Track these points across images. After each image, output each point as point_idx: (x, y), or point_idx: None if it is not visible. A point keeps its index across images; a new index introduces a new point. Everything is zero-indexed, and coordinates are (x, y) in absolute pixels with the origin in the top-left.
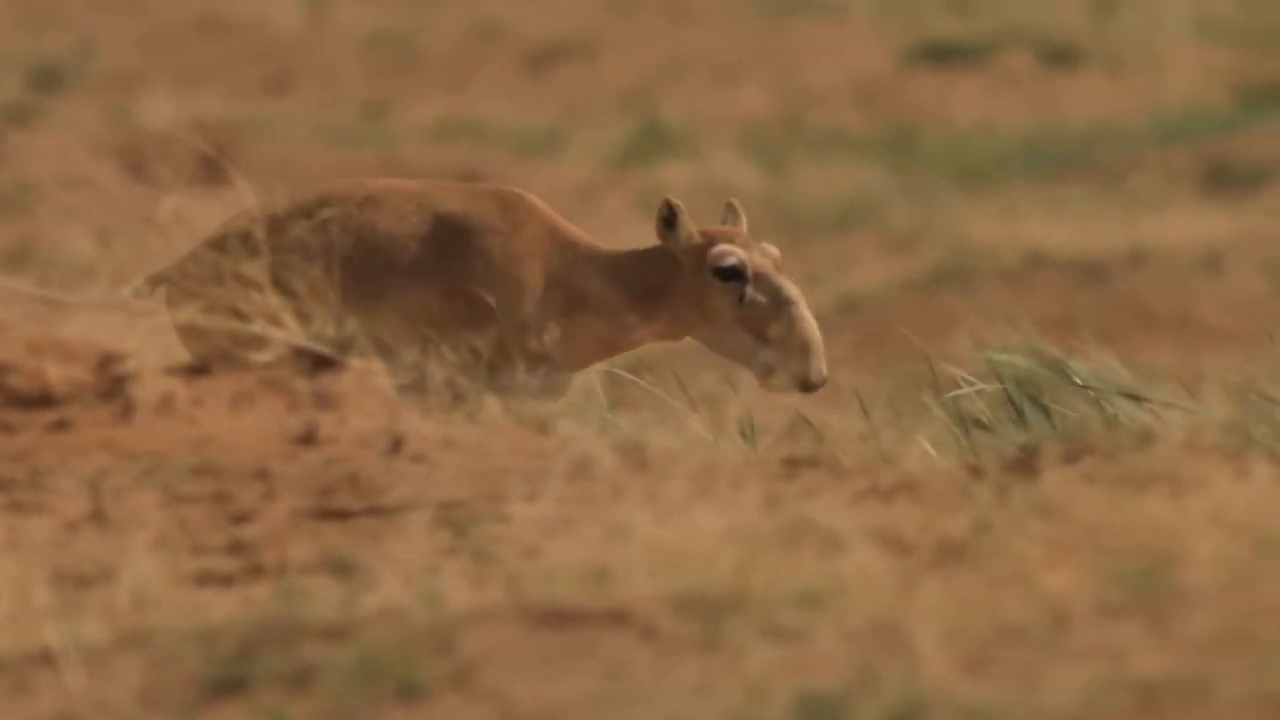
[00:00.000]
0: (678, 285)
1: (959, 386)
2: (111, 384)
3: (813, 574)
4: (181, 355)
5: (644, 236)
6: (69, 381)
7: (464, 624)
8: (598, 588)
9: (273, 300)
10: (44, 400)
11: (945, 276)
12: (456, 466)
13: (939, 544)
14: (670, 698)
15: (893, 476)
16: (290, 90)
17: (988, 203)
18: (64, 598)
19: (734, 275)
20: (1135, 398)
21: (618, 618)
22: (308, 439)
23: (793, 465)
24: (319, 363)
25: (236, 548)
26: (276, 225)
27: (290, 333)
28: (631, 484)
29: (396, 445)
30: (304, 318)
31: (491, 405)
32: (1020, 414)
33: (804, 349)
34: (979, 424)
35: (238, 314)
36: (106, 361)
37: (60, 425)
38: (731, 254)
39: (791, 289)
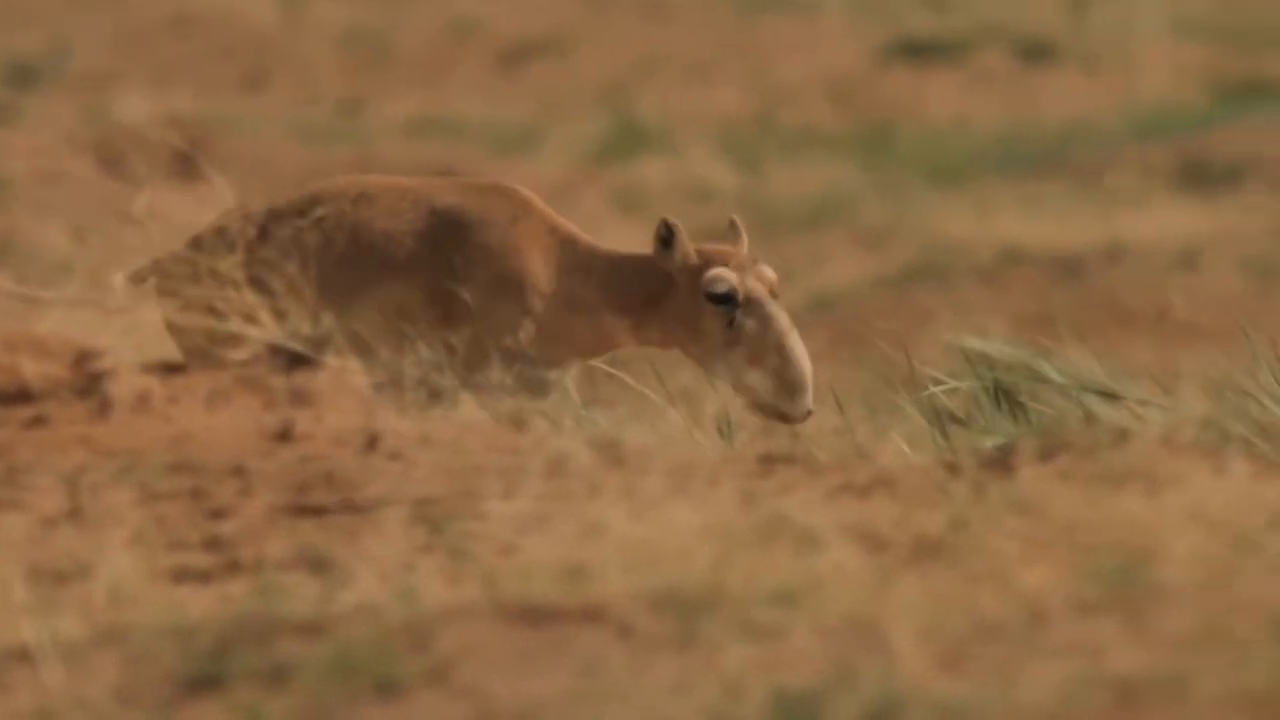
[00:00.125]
0: (671, 301)
1: (934, 383)
2: (88, 381)
3: (789, 571)
4: (157, 352)
5: (621, 234)
6: (46, 378)
7: (440, 621)
8: (574, 585)
9: (249, 298)
10: (21, 397)
11: (920, 273)
12: (432, 464)
13: (915, 541)
14: (646, 695)
15: (869, 473)
16: (265, 87)
17: (963, 200)
18: (41, 594)
19: (725, 300)
20: (1112, 395)
21: (594, 615)
22: (284, 436)
23: (769, 462)
24: (295, 360)
25: (213, 544)
26: (270, 222)
27: (269, 330)
28: (608, 481)
29: (372, 442)
30: (287, 315)
31: (468, 403)
32: (997, 411)
33: (789, 383)
34: (955, 421)
35: (214, 312)
36: (83, 358)
37: (37, 422)
38: (724, 280)
39: (783, 320)
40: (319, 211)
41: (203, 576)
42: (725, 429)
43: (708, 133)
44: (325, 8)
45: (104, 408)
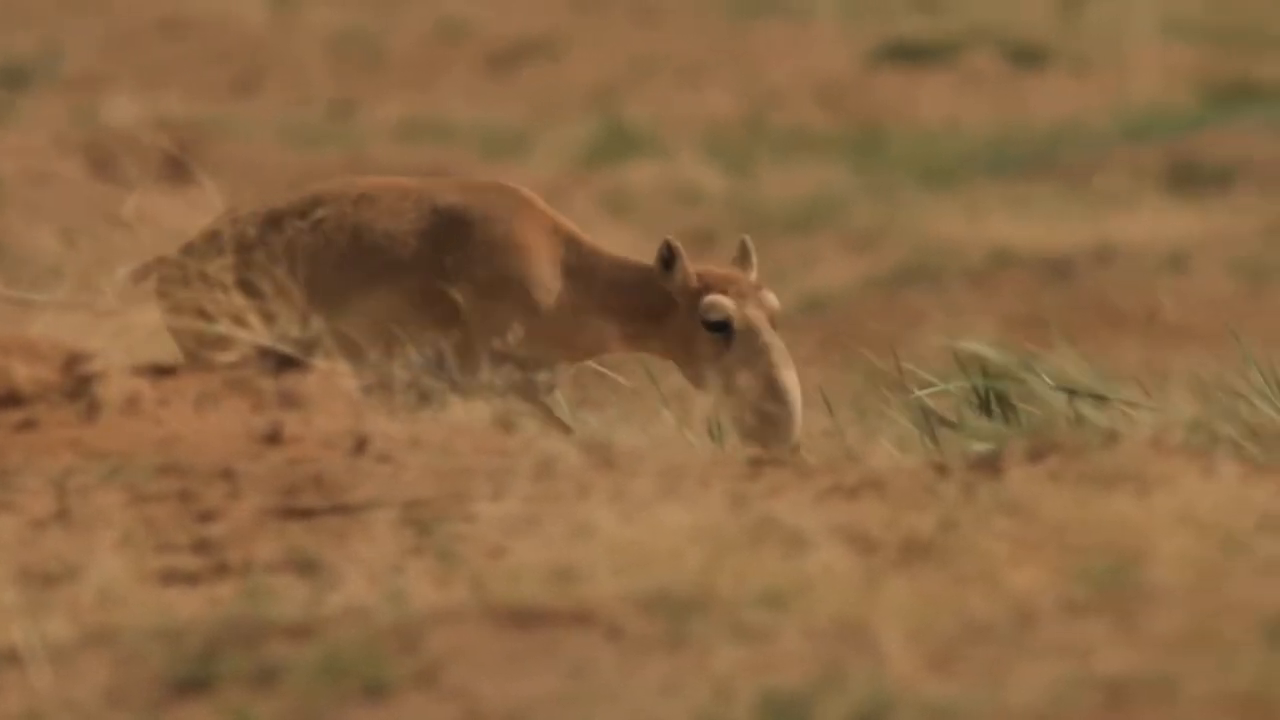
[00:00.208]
0: (671, 319)
1: (924, 385)
2: (77, 383)
3: (778, 573)
4: (148, 354)
5: (611, 236)
6: (35, 381)
7: (429, 623)
8: (563, 587)
9: (238, 301)
10: (10, 399)
11: (910, 275)
12: (421, 466)
13: (904, 542)
14: (636, 697)
15: (858, 475)
16: (256, 90)
17: (953, 201)
18: (30, 596)
19: (720, 328)
20: (1101, 396)
21: (583, 617)
22: (273, 439)
23: (758, 464)
24: (284, 363)
25: (202, 547)
26: (270, 223)
27: (259, 333)
28: (597, 483)
29: (361, 445)
30: (278, 317)
31: (457, 405)
32: (986, 412)
33: (775, 417)
34: (944, 422)
35: (204, 314)
36: (72, 361)
37: (26, 424)
38: (721, 308)
39: (776, 352)
40: (320, 213)
41: (191, 578)
42: (716, 431)
43: (698, 136)
44: (316, 11)
45: (93, 410)
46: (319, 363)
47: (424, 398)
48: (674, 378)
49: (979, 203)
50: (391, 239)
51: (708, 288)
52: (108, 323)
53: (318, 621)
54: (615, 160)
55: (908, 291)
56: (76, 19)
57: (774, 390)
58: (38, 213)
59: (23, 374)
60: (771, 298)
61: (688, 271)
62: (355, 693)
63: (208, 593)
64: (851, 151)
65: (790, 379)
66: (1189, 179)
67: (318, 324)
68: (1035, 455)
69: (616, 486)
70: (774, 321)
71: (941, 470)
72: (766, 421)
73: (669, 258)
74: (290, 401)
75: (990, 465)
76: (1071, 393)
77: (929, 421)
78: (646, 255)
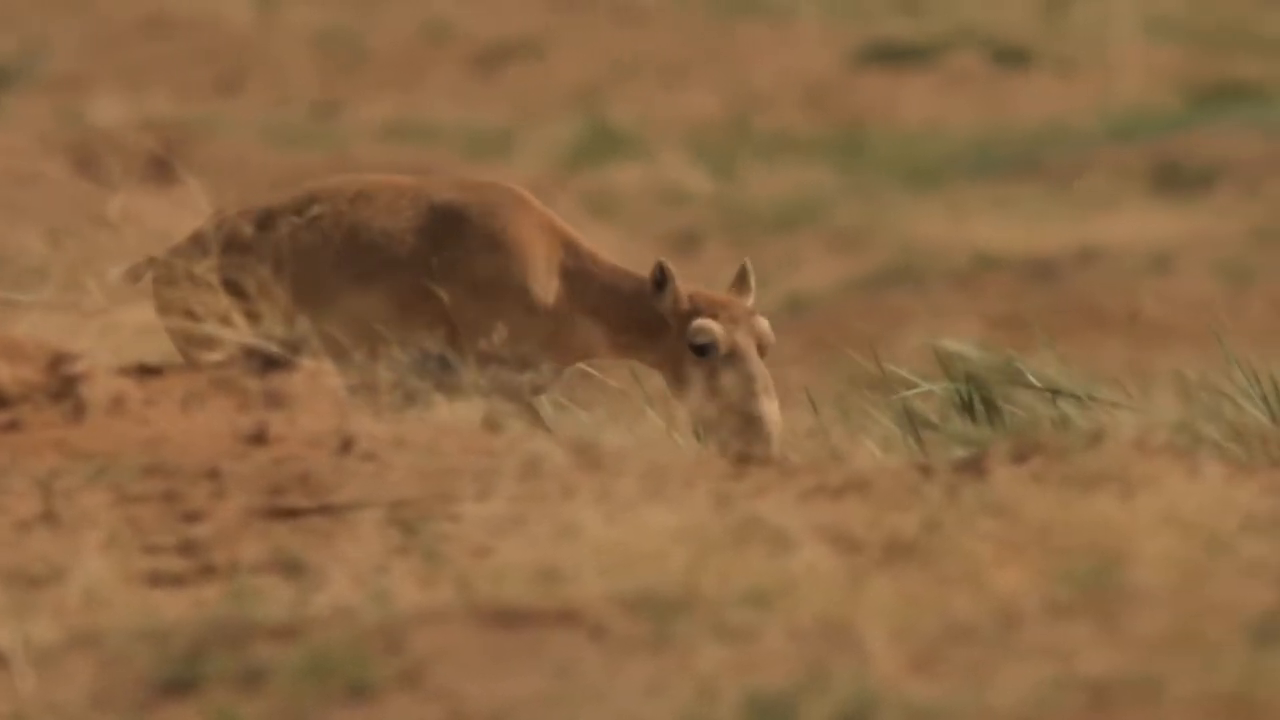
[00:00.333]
0: (661, 335)
1: (907, 386)
2: (63, 384)
3: (762, 573)
4: (134, 354)
5: (595, 238)
6: (20, 382)
7: (414, 623)
8: (548, 587)
9: (223, 301)
10: None
11: (894, 276)
12: (407, 466)
13: (888, 542)
14: (620, 697)
15: (842, 475)
16: (240, 90)
17: (937, 203)
18: (14, 597)
19: (707, 353)
20: (1085, 397)
21: (568, 617)
22: (258, 439)
23: (742, 464)
24: (270, 363)
25: (187, 547)
26: (266, 221)
27: (248, 332)
28: (582, 483)
29: (347, 445)
30: (275, 317)
31: (442, 405)
32: (969, 414)
33: (751, 445)
34: (928, 424)
35: (190, 314)
36: (58, 361)
37: (11, 425)
38: (708, 333)
39: (760, 382)
40: (316, 210)
41: (177, 580)
42: (700, 432)
43: (682, 136)
44: (300, 11)
45: (79, 411)
46: (305, 362)
47: (409, 398)
48: (660, 379)
49: (962, 204)
50: (389, 236)
51: (698, 311)
52: (93, 323)
53: (303, 622)
54: (599, 161)
55: (891, 292)
56: (60, 19)
57: (751, 421)
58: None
59: (7, 374)
60: (765, 325)
61: (679, 293)
62: (340, 693)
63: (193, 594)
64: (835, 152)
65: (770, 409)
66: (1172, 180)
67: (304, 323)
68: (1019, 456)
69: (602, 487)
70: (764, 349)
71: (925, 471)
72: (743, 446)
73: (661, 279)
74: (276, 401)
75: (974, 466)
76: (1055, 393)
77: (912, 423)
78: (630, 256)
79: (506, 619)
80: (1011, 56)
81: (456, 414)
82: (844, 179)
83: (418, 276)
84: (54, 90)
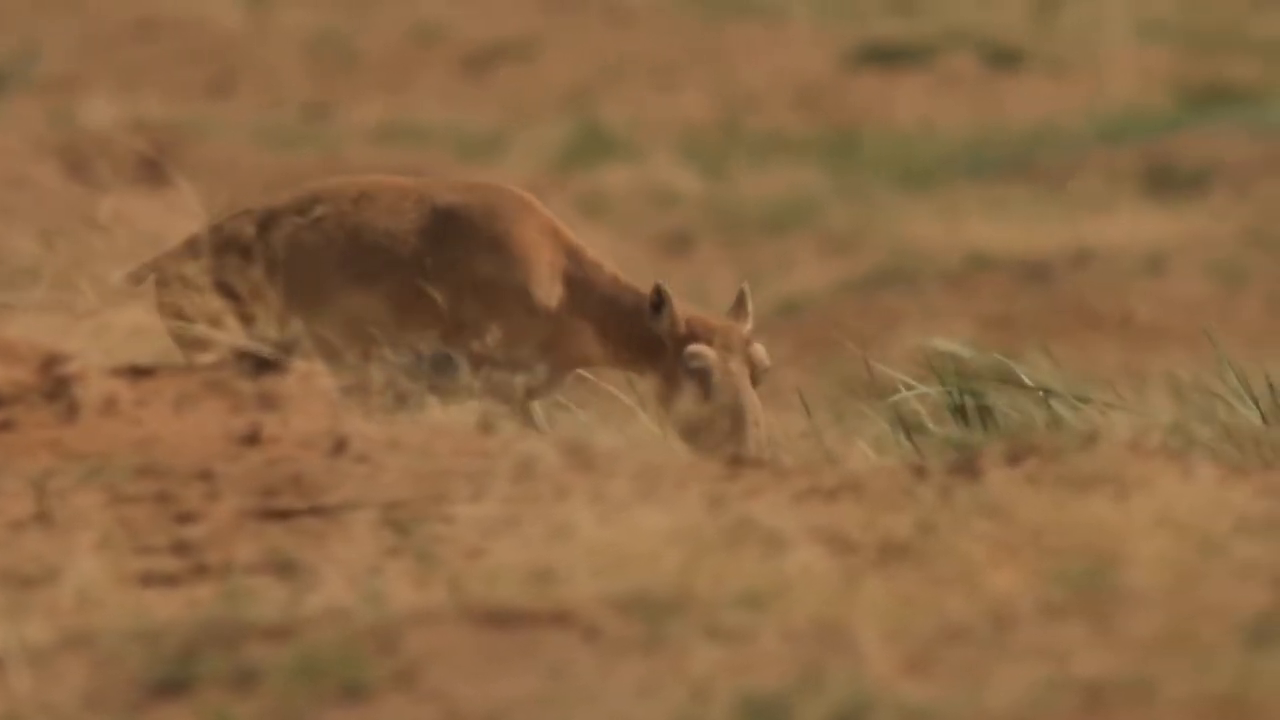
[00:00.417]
0: (658, 353)
1: (901, 388)
2: (56, 385)
3: (756, 574)
4: (126, 355)
5: (586, 239)
6: (13, 382)
7: (407, 624)
8: (541, 588)
9: (215, 302)
10: None
11: (887, 278)
12: (400, 467)
13: (882, 544)
14: (613, 698)
15: (836, 477)
16: (231, 92)
17: (930, 204)
18: (8, 598)
19: (699, 378)
20: (1079, 398)
21: (561, 618)
22: (251, 440)
23: (736, 465)
24: (262, 364)
25: (180, 548)
26: (268, 222)
27: (251, 333)
28: (576, 484)
29: (340, 446)
30: (276, 317)
31: (435, 406)
32: (963, 415)
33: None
34: (921, 426)
35: (183, 315)
36: (51, 362)
37: (4, 426)
38: (702, 359)
39: (751, 412)
40: (319, 210)
41: (170, 580)
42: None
43: (673, 137)
44: (291, 13)
45: (71, 411)
46: (298, 363)
47: (402, 399)
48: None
49: (956, 205)
50: (391, 237)
51: (694, 336)
52: (85, 324)
53: (296, 623)
54: (590, 162)
55: (884, 293)
56: (52, 21)
57: (739, 442)
58: (14, 215)
59: (0, 375)
60: (761, 352)
61: (676, 317)
62: (334, 694)
63: (186, 594)
64: (827, 153)
65: (757, 440)
66: (1165, 181)
67: (297, 325)
68: (1013, 457)
69: (595, 488)
70: (758, 377)
71: (919, 472)
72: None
73: (658, 302)
74: (268, 403)
75: (968, 468)
76: (1048, 394)
77: (905, 425)
78: (621, 257)
79: (500, 620)
80: (1004, 58)
81: (450, 416)
82: (836, 180)
83: (419, 277)
84: (46, 92)
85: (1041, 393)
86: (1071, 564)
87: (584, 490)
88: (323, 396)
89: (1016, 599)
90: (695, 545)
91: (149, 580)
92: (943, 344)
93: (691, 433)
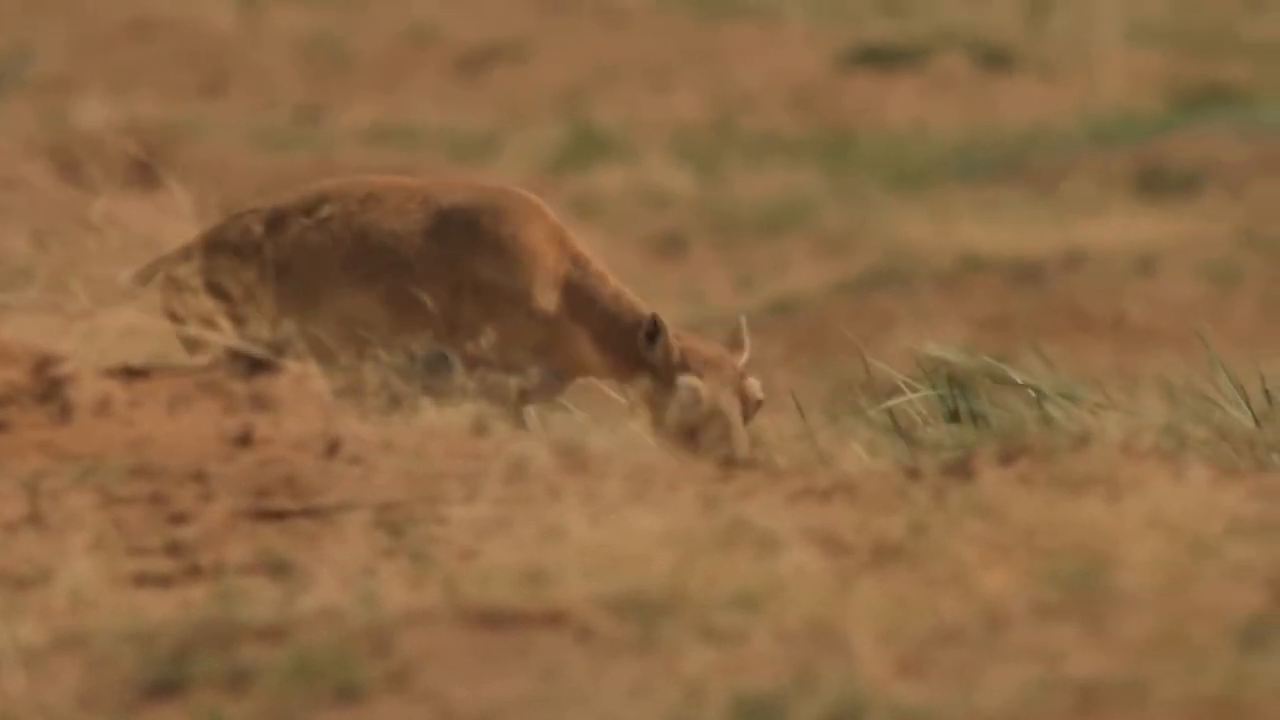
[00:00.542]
0: (656, 380)
1: (895, 388)
2: (48, 386)
3: (749, 575)
4: (119, 356)
5: (583, 242)
6: (5, 384)
7: (401, 625)
8: (534, 589)
9: (207, 303)
10: None
11: (880, 279)
12: (394, 468)
13: (876, 545)
14: (606, 699)
15: (829, 478)
16: (224, 93)
17: (923, 205)
18: (1, 599)
19: (691, 408)
20: (1072, 400)
21: (554, 619)
22: (244, 441)
23: (729, 466)
24: (256, 365)
25: (174, 549)
26: (275, 222)
27: (250, 335)
28: (568, 485)
29: (333, 447)
30: (270, 319)
31: (429, 408)
32: (956, 416)
33: None
34: (913, 429)
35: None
36: (43, 363)
37: None
38: (693, 391)
39: (741, 446)
40: (326, 211)
41: (163, 581)
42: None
43: (667, 139)
44: (284, 14)
45: (65, 412)
46: (290, 365)
47: (395, 401)
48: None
49: (948, 207)
50: (397, 238)
51: (685, 367)
52: (78, 325)
53: (290, 624)
54: (584, 164)
55: (877, 295)
56: (45, 21)
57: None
58: (6, 215)
59: None
60: (755, 387)
61: (670, 347)
62: (327, 695)
63: (179, 595)
64: (821, 155)
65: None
66: (1157, 183)
67: (291, 326)
68: (1006, 459)
69: (587, 489)
70: (749, 413)
71: (912, 474)
72: None
73: (653, 332)
74: (262, 404)
75: (961, 469)
76: (1040, 396)
77: (898, 427)
78: (615, 259)
79: (493, 621)
80: (996, 60)
81: (444, 418)
82: (830, 181)
83: (423, 278)
84: (38, 93)
85: (1033, 393)
86: (1064, 565)
87: (577, 491)
88: (316, 398)
89: (1009, 600)
90: (688, 546)
91: (142, 581)
92: (935, 349)
93: (681, 444)
